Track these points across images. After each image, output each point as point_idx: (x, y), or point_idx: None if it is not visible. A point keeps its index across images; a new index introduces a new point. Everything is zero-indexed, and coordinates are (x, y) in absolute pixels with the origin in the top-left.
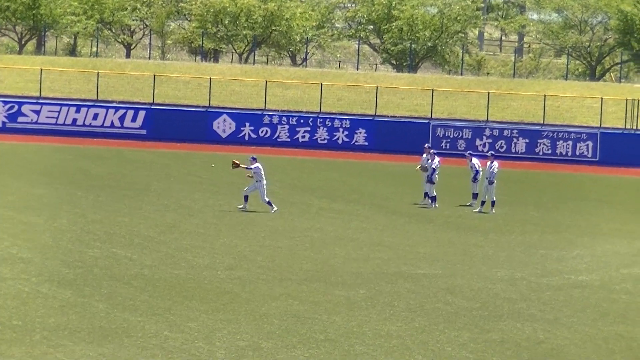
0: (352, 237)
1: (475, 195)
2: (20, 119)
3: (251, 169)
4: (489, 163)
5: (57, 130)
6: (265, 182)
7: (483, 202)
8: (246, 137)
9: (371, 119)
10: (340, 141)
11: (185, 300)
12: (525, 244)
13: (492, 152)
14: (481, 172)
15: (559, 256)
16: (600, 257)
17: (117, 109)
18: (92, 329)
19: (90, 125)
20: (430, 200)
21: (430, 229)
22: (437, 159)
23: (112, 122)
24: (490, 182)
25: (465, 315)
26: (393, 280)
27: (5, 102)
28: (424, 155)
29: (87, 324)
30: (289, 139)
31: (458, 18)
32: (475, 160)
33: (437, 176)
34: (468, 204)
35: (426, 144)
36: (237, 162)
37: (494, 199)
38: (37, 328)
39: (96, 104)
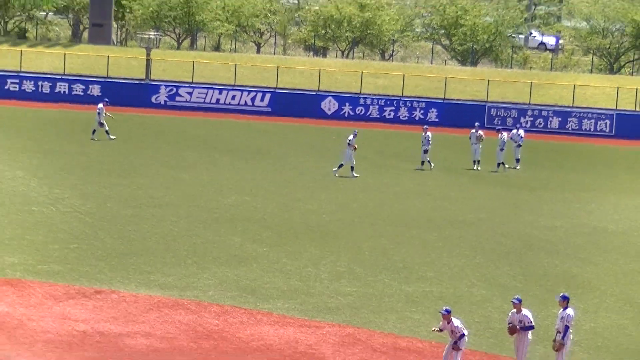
0: (427, 192)
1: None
2: (177, 98)
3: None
4: (500, 135)
5: (204, 107)
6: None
7: (499, 164)
8: (346, 115)
9: (441, 101)
10: (417, 118)
11: (299, 236)
12: (564, 199)
13: (500, 128)
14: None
15: (590, 209)
16: (623, 211)
17: (249, 91)
18: (229, 257)
19: (229, 104)
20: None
21: (485, 187)
22: (505, 134)
23: (245, 102)
24: (501, 149)
25: (515, 253)
26: (459, 226)
27: (167, 86)
28: (513, 132)
29: (226, 253)
30: (378, 116)
31: (508, 25)
32: (429, 133)
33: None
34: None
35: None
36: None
37: (502, 160)
38: (189, 255)
39: (234, 87)
